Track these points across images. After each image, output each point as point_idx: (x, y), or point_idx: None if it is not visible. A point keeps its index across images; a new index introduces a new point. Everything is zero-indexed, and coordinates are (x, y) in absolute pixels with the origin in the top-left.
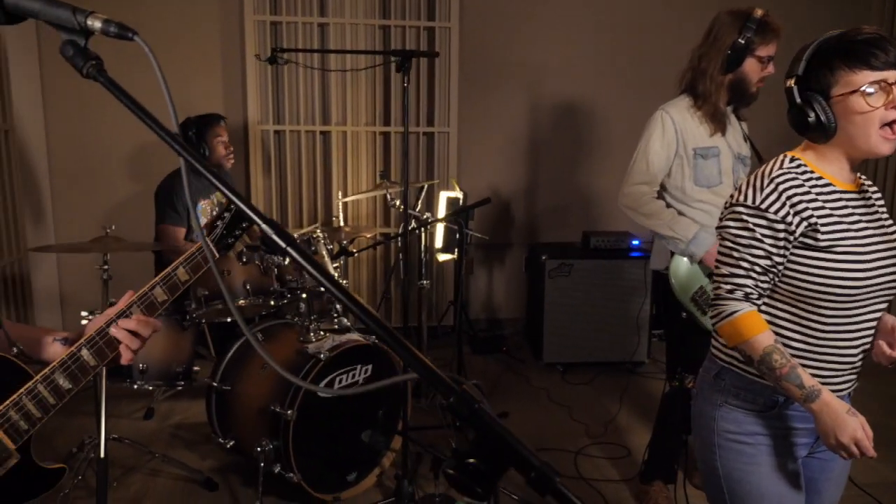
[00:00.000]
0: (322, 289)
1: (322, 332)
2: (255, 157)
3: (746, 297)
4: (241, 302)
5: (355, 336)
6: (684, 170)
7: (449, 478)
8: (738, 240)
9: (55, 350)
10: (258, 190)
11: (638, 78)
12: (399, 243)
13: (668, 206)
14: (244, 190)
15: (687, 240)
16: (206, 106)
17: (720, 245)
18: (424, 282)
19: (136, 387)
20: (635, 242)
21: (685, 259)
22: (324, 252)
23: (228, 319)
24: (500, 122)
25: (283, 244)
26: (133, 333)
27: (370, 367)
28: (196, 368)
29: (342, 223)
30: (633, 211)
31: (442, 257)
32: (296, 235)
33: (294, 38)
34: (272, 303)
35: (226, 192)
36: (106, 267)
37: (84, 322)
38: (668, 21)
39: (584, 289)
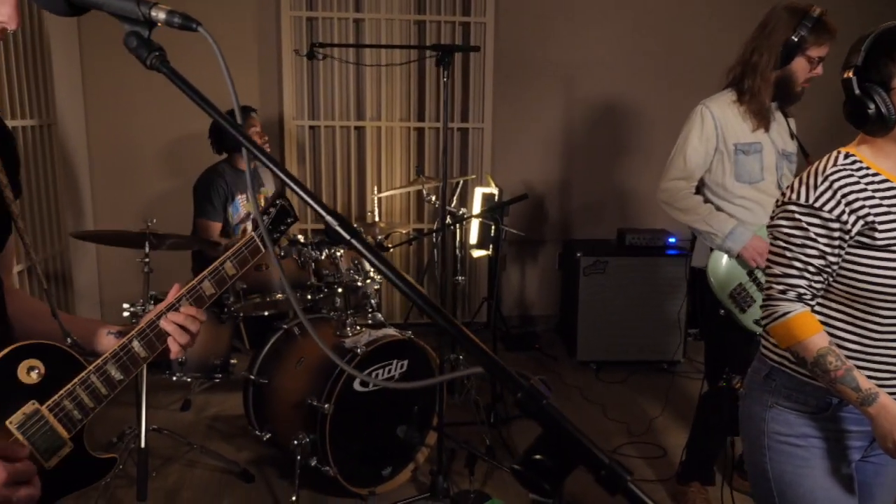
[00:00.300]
0: (360, 283)
1: (358, 327)
2: (290, 153)
3: (799, 298)
4: (279, 296)
5: (391, 331)
6: (725, 165)
7: (515, 474)
8: (792, 239)
9: (108, 342)
10: None
11: (676, 74)
12: (434, 239)
13: (707, 201)
14: (280, 185)
15: (723, 234)
16: (242, 101)
17: (772, 244)
18: (460, 278)
19: (174, 378)
20: (672, 240)
21: (724, 255)
22: None
23: (266, 313)
24: (535, 118)
25: (347, 236)
26: (181, 328)
27: (406, 362)
28: (233, 361)
29: (377, 218)
30: (669, 206)
31: (476, 253)
32: None
33: (329, 34)
34: (309, 297)
35: (291, 184)
36: (147, 260)
37: (125, 314)
38: (706, 16)
39: (618, 286)
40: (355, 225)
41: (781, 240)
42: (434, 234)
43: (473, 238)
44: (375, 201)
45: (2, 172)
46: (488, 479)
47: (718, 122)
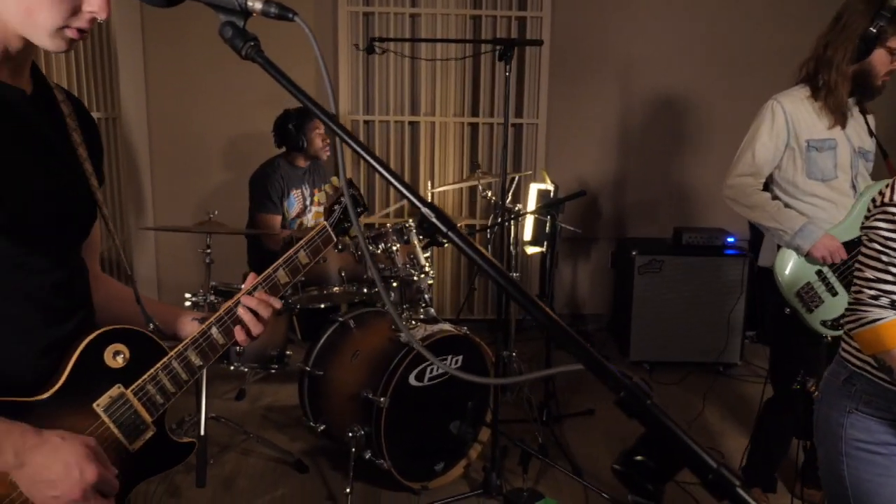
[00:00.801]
0: (416, 277)
1: (413, 322)
2: (345, 147)
3: (893, 305)
4: (336, 289)
5: (447, 326)
6: (796, 162)
7: (617, 474)
8: (889, 243)
9: (192, 328)
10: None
11: (737, 68)
12: (489, 235)
13: (775, 199)
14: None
15: (793, 231)
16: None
17: (866, 246)
18: (515, 274)
19: (232, 368)
20: (730, 240)
21: (793, 253)
22: (415, 241)
23: (322, 306)
24: (591, 113)
25: (444, 229)
26: (254, 314)
27: (461, 357)
28: (289, 353)
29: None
30: (736, 203)
31: (530, 250)
32: (388, 224)
33: (385, 29)
34: (364, 291)
35: (385, 173)
36: (209, 251)
37: (187, 304)
38: (773, 8)
39: (674, 286)
40: (410, 220)
41: (878, 242)
42: (490, 230)
43: (528, 235)
44: (429, 196)
45: (87, 161)
46: (541, 478)
47: (790, 117)
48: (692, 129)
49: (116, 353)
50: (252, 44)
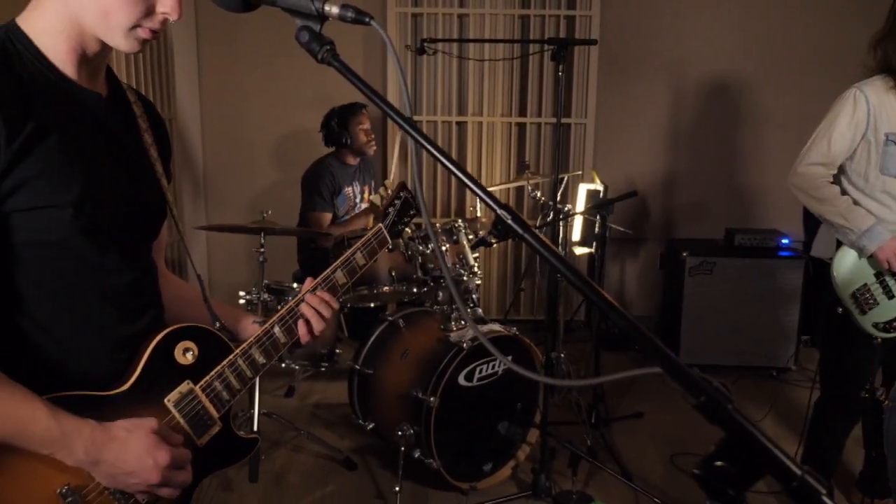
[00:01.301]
0: (466, 277)
1: (462, 322)
2: (394, 147)
3: None
4: (386, 288)
5: (496, 327)
6: (870, 155)
7: (697, 479)
8: None
9: (252, 330)
10: (395, 178)
11: (792, 66)
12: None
13: (843, 192)
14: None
15: (860, 231)
16: (348, 96)
17: None
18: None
19: (283, 365)
20: (785, 241)
21: (853, 253)
22: (464, 241)
23: (372, 305)
24: (640, 112)
25: (520, 230)
26: (317, 312)
27: (510, 358)
28: (338, 351)
29: (478, 213)
30: (803, 193)
31: (579, 251)
32: (437, 224)
33: (434, 29)
34: (415, 290)
35: (462, 176)
36: (262, 249)
37: (241, 301)
38: (827, 2)
39: (726, 288)
40: (459, 220)
41: None
42: (541, 231)
43: (576, 235)
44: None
45: (158, 161)
46: (590, 480)
47: (873, 107)
48: (744, 128)
49: (186, 350)
50: (328, 48)
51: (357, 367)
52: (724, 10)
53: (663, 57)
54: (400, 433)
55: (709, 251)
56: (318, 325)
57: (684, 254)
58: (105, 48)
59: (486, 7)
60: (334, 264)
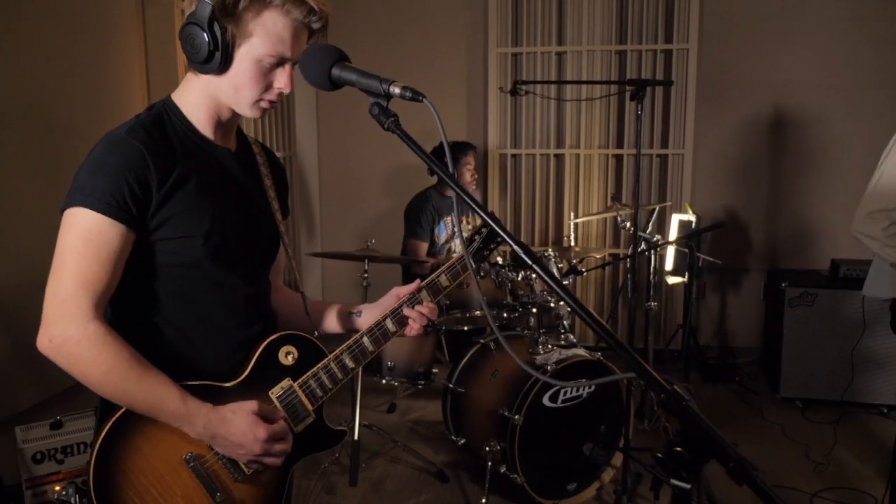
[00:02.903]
0: (553, 304)
1: (550, 346)
2: (493, 179)
3: None
4: (477, 312)
5: (581, 351)
6: None
7: (658, 461)
8: None
9: (364, 321)
10: (495, 209)
11: None
12: (627, 264)
13: None
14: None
15: None
16: (451, 133)
17: None
18: (652, 304)
19: (384, 382)
20: None
21: None
22: (553, 270)
23: (465, 328)
24: (738, 142)
25: (529, 261)
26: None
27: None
28: (434, 370)
29: (572, 243)
30: (874, 241)
31: (672, 280)
32: None
33: (533, 68)
34: (505, 315)
35: (483, 215)
36: (366, 274)
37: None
38: None
39: (830, 320)
40: (550, 249)
41: None
42: (626, 260)
43: (669, 264)
44: (572, 226)
45: (275, 200)
46: None
47: None
48: (849, 157)
49: (288, 353)
50: (393, 119)
51: (450, 385)
52: (825, 38)
53: (762, 84)
54: (487, 448)
55: (811, 282)
56: (420, 322)
57: (784, 284)
58: (235, 115)
59: (584, 45)
60: (440, 269)
